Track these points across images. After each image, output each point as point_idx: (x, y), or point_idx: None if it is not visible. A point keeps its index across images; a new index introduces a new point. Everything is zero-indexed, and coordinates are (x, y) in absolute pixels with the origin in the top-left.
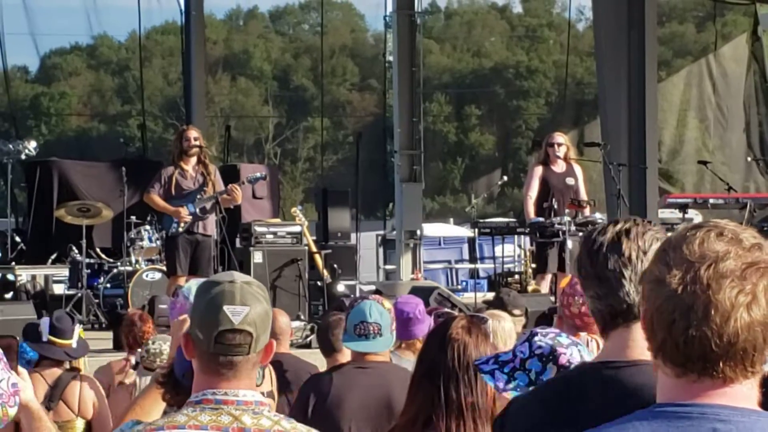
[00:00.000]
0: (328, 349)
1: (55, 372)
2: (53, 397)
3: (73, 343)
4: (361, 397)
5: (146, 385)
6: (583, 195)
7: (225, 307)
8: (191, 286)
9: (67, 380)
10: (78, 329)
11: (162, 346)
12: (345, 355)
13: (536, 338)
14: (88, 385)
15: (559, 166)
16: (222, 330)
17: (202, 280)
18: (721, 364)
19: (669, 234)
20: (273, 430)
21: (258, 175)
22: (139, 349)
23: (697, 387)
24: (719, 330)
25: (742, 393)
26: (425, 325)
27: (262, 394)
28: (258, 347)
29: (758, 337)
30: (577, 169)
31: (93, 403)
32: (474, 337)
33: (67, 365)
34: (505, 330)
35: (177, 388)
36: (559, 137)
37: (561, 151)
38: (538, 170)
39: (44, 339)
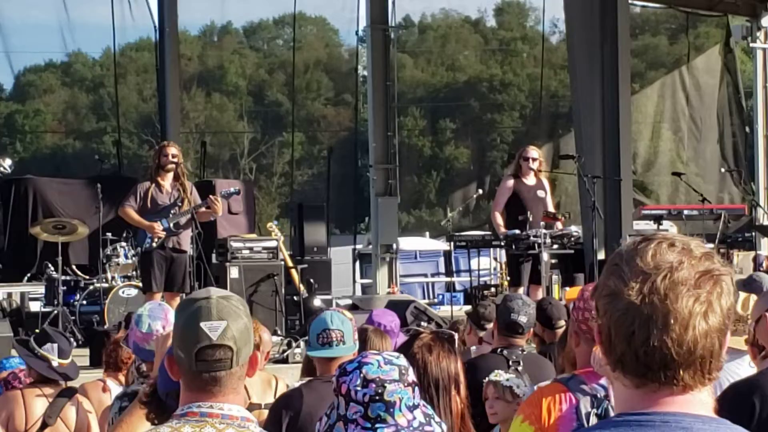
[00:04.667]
0: None
1: (53, 389)
2: (52, 413)
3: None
4: None
5: (130, 405)
6: (551, 208)
7: (202, 324)
8: (143, 312)
9: (66, 398)
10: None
11: None
12: None
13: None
14: (84, 404)
15: (530, 179)
16: (201, 347)
17: (155, 303)
18: (681, 372)
19: (618, 248)
20: None
21: (232, 189)
22: (121, 374)
23: (657, 396)
24: (679, 339)
25: (700, 400)
26: (400, 339)
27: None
28: (240, 360)
29: (715, 343)
30: (545, 183)
31: (87, 423)
32: (435, 355)
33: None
34: None
35: (161, 407)
36: (533, 151)
37: (534, 165)
38: (509, 184)
39: (54, 364)
